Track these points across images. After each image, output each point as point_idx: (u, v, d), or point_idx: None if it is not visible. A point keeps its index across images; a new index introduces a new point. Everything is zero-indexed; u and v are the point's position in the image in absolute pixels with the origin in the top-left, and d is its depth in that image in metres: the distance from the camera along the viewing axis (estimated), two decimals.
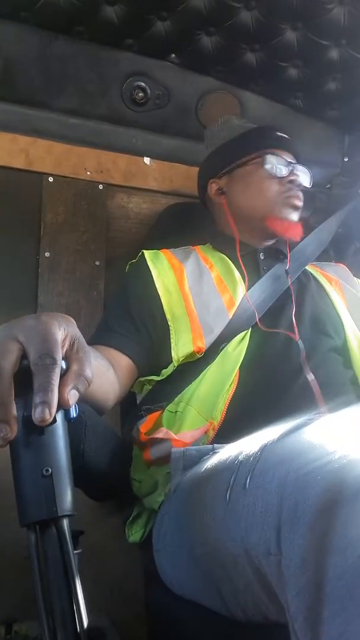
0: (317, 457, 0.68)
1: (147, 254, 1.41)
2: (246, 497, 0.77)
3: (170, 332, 1.29)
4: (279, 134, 1.52)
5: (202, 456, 1.04)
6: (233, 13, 1.55)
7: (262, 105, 1.86)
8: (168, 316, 1.30)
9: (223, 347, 1.26)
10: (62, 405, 0.67)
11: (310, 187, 1.51)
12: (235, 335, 1.29)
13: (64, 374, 0.68)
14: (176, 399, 1.23)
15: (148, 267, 1.38)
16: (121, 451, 1.25)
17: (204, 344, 1.26)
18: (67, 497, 0.65)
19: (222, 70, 1.75)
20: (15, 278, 1.62)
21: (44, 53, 1.63)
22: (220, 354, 1.26)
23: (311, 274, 1.49)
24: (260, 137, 1.52)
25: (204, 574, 0.93)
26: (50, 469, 0.64)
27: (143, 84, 1.73)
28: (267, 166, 1.45)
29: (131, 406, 1.39)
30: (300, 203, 1.46)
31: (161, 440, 1.15)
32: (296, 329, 1.31)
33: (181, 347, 1.27)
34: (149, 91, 1.73)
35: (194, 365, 1.27)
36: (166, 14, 1.57)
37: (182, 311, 1.30)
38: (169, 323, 1.30)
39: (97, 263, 1.70)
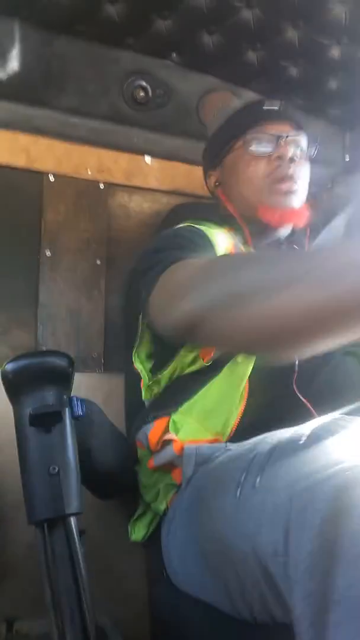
0: (329, 464, 0.68)
1: (206, 229, 1.27)
2: (256, 496, 0.77)
3: None
4: (266, 107, 1.40)
5: (214, 453, 1.04)
6: (234, 11, 1.55)
7: None
8: None
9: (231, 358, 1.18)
10: None
11: (312, 153, 1.38)
12: None
13: None
14: (181, 409, 1.17)
15: (212, 244, 1.22)
16: (127, 450, 1.25)
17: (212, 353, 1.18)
18: (74, 495, 0.66)
19: (223, 69, 1.75)
20: (16, 277, 1.62)
21: (45, 52, 1.63)
22: (228, 364, 1.17)
23: None
24: (243, 116, 1.42)
25: (212, 571, 0.93)
26: (57, 467, 0.65)
27: (144, 82, 1.72)
28: (250, 147, 1.35)
29: (136, 406, 1.38)
30: (291, 186, 1.32)
31: (165, 446, 1.13)
32: None
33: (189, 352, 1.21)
34: (149, 90, 1.73)
35: (201, 372, 1.20)
36: (167, 12, 1.56)
37: None
38: None
39: (98, 262, 1.70)
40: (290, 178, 1.32)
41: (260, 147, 1.34)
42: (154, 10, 1.56)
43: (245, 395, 1.16)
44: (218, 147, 1.44)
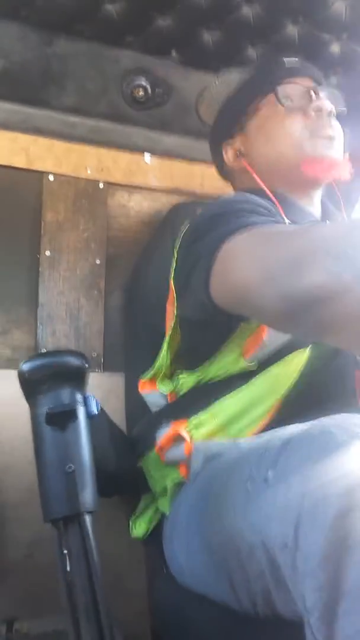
0: (343, 462, 0.68)
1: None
2: (267, 490, 0.78)
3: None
4: (289, 59, 1.31)
5: (224, 447, 1.04)
6: (234, 8, 1.55)
7: None
8: None
9: (267, 368, 1.09)
10: None
11: (344, 109, 1.29)
12: (291, 353, 1.08)
13: None
14: (202, 413, 1.11)
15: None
16: (128, 448, 1.25)
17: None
18: (89, 493, 0.66)
19: (223, 66, 1.74)
20: (16, 277, 1.62)
21: (44, 51, 1.62)
22: (263, 373, 1.09)
23: None
24: (266, 73, 1.32)
25: (216, 562, 0.93)
26: (72, 466, 0.65)
27: (143, 81, 1.71)
28: (283, 100, 1.25)
29: (137, 405, 1.38)
30: (333, 132, 1.25)
31: (178, 444, 1.10)
32: None
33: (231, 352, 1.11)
34: (149, 88, 1.72)
35: (235, 377, 1.11)
36: (166, 10, 1.56)
37: None
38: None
39: (98, 261, 1.69)
40: (330, 127, 1.25)
41: (295, 101, 1.26)
42: (153, 8, 1.56)
43: (277, 406, 1.08)
44: (238, 112, 1.34)
